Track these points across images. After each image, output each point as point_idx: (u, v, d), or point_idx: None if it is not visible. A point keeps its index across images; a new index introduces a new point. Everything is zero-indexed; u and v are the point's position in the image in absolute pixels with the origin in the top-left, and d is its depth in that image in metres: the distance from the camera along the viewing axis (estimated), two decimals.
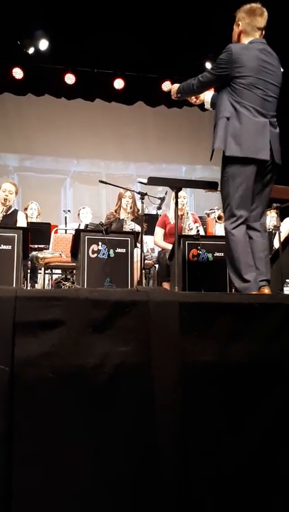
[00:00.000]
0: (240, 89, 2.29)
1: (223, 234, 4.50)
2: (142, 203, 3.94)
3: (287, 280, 3.15)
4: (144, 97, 6.85)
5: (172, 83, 6.84)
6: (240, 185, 2.29)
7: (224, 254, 2.35)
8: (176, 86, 2.63)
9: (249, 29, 2.38)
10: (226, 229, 2.37)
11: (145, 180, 3.36)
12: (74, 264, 3.75)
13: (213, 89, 2.62)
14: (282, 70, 2.47)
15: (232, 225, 2.32)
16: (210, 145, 2.44)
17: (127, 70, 6.58)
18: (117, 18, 5.55)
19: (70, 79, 6.48)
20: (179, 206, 4.17)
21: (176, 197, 3.21)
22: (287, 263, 3.37)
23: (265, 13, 2.40)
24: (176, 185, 3.10)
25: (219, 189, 3.27)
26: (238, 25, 2.41)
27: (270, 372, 1.16)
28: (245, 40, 2.40)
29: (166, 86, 6.68)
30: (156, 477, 1.07)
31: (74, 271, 4.04)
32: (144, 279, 4.08)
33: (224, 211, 2.43)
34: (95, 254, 3.37)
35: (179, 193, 4.05)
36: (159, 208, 4.37)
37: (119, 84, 6.64)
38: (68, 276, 4.47)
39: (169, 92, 7.55)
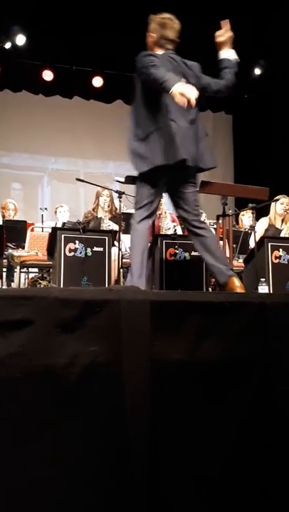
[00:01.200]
0: (163, 96, 2.27)
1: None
2: (120, 201, 3.93)
3: (261, 279, 3.20)
4: (124, 95, 6.83)
5: None
6: None
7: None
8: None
9: (163, 42, 2.41)
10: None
11: (123, 179, 3.36)
12: (50, 262, 3.71)
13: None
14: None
15: None
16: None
17: (106, 68, 6.55)
18: (97, 14, 5.51)
19: (47, 75, 6.41)
20: None
21: None
22: (262, 262, 3.43)
23: (176, 25, 2.44)
24: None
25: (197, 189, 3.30)
26: (152, 36, 2.45)
27: (240, 369, 1.18)
28: (159, 52, 2.42)
29: None
30: (127, 477, 1.07)
31: (51, 270, 4.00)
32: (122, 277, 4.07)
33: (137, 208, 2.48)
34: (72, 253, 3.34)
35: None
36: None
37: (98, 82, 6.60)
38: (45, 275, 4.42)
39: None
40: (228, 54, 2.46)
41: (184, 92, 2.06)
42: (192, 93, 2.07)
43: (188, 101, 2.07)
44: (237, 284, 2.34)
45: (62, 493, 1.08)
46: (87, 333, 1.06)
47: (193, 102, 2.09)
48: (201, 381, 1.17)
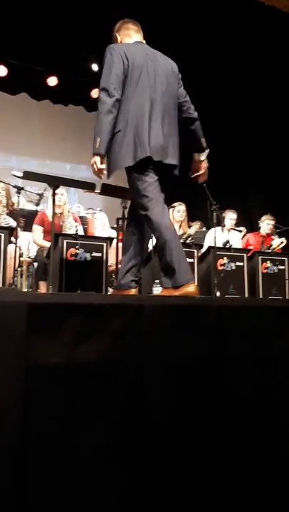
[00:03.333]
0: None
1: (104, 235, 4.57)
2: (18, 197, 3.78)
3: (156, 281, 3.33)
4: (29, 88, 6.60)
5: (58, 79, 6.74)
6: None
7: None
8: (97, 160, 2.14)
9: (126, 31, 2.35)
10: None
11: (20, 174, 3.22)
12: None
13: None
14: None
15: None
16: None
17: (11, 58, 6.25)
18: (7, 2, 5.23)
19: None
20: (58, 203, 4.11)
21: (53, 194, 3.15)
22: (157, 265, 3.56)
23: (137, 23, 2.41)
24: (52, 182, 3.03)
25: (97, 190, 3.32)
26: (115, 35, 2.38)
27: (115, 370, 1.21)
28: (128, 40, 2.34)
29: (52, 81, 6.53)
30: None
31: None
32: (20, 277, 3.91)
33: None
34: None
35: (58, 191, 3.99)
36: (37, 204, 4.24)
37: (1, 71, 6.28)
38: None
39: (55, 87, 7.26)
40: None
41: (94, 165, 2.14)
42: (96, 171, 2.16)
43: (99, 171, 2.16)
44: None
45: None
46: None
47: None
48: (78, 384, 1.17)
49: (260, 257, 3.80)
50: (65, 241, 3.66)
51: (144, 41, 2.41)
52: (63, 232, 4.10)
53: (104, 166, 2.20)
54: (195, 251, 3.61)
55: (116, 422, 1.20)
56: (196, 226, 4.94)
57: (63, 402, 1.17)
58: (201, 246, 3.99)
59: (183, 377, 1.28)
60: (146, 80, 2.18)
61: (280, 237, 4.46)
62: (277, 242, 4.31)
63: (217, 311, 1.37)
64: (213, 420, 1.30)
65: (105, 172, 2.24)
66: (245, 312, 1.40)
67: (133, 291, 2.38)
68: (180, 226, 4.40)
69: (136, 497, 1.24)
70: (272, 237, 4.54)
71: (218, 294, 3.49)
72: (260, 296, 3.69)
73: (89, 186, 3.23)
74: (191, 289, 2.08)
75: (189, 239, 3.77)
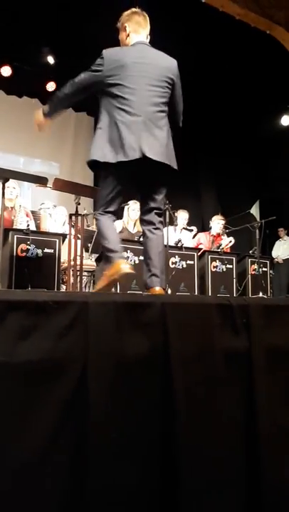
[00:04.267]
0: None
1: (56, 231, 4.50)
2: None
3: None
4: None
5: (12, 70, 6.53)
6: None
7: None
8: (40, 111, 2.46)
9: (133, 26, 2.34)
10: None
11: None
12: None
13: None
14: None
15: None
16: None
17: None
18: None
19: None
20: (9, 197, 4.00)
21: (3, 187, 3.07)
22: None
23: (143, 15, 2.40)
24: (1, 175, 2.96)
25: (50, 185, 3.27)
26: (123, 26, 2.36)
27: (58, 368, 1.21)
28: (131, 40, 2.34)
29: (6, 71, 6.33)
30: None
31: None
32: None
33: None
34: None
35: (9, 184, 3.87)
36: None
37: None
38: None
39: (9, 78, 7.08)
40: None
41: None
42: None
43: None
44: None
45: None
46: None
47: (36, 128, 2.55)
48: (19, 383, 1.16)
49: (209, 256, 3.92)
50: (15, 236, 3.58)
51: (149, 37, 2.38)
52: (14, 227, 4.00)
53: (42, 119, 2.48)
54: None
55: (57, 422, 1.20)
56: None
57: (2, 403, 1.15)
58: None
59: (126, 375, 1.30)
60: (133, 82, 2.21)
61: (228, 236, 4.62)
62: (226, 242, 4.45)
63: (161, 308, 1.40)
64: (154, 419, 1.33)
65: (45, 128, 2.54)
66: (187, 309, 1.44)
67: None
68: (134, 224, 4.43)
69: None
70: (222, 236, 4.69)
71: (169, 291, 3.56)
72: (210, 293, 3.80)
73: (41, 180, 3.19)
74: (118, 265, 2.21)
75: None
